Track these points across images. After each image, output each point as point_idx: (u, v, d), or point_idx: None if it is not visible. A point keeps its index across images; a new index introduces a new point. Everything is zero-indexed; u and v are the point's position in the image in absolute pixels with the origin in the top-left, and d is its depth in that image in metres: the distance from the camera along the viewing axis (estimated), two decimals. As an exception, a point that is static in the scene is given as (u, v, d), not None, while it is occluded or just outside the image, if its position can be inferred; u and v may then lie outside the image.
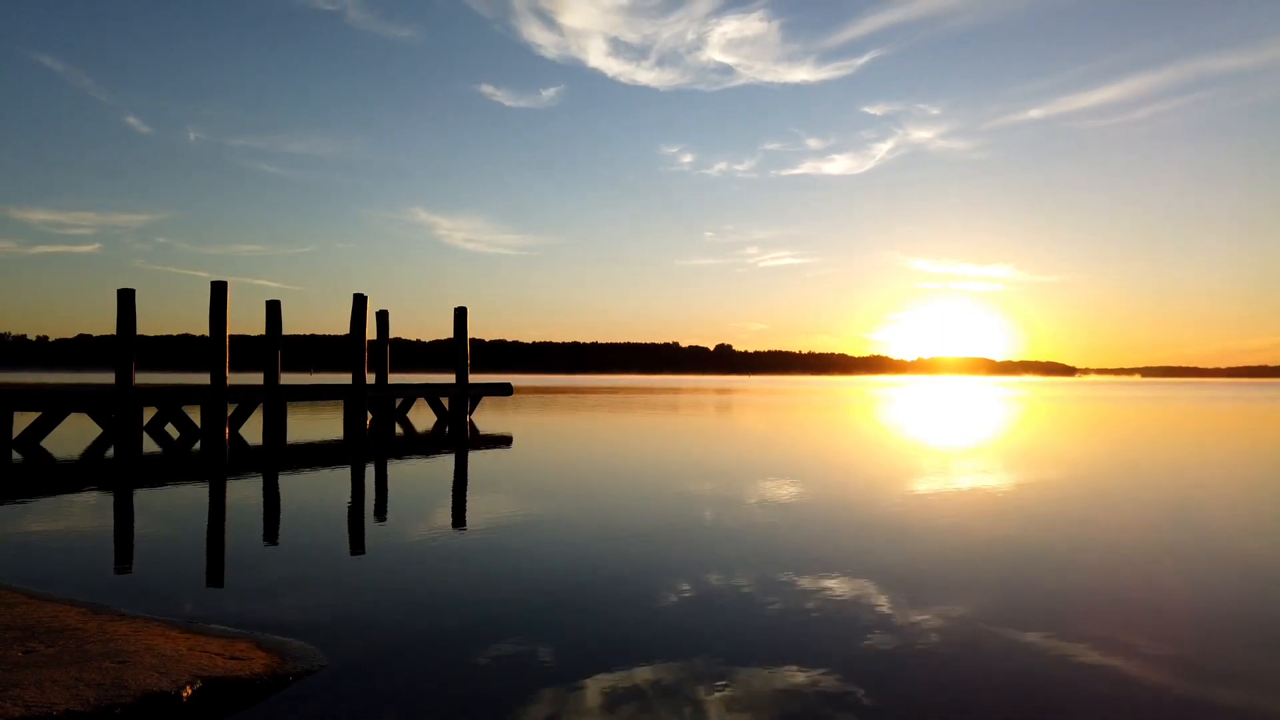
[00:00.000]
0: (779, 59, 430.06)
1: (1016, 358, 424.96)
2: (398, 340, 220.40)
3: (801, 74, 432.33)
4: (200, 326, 20.21)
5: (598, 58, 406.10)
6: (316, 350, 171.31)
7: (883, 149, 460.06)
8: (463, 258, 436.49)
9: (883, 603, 5.75)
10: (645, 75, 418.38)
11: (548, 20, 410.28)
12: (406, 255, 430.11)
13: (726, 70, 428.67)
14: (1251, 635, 5.11)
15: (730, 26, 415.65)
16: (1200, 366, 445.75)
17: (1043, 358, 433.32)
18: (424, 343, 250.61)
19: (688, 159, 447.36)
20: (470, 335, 27.25)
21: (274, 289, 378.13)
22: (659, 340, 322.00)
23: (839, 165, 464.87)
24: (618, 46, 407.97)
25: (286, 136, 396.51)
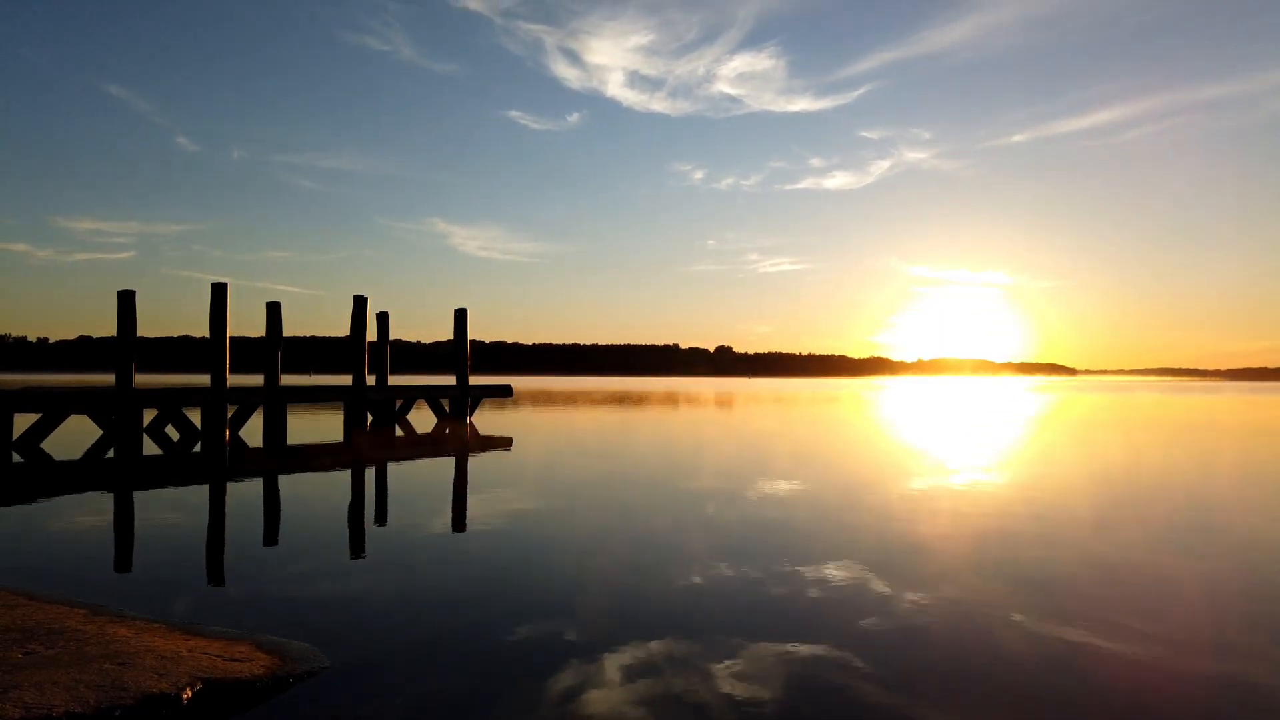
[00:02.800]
0: (782, 91, 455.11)
1: (1016, 359, 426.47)
2: (399, 342, 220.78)
3: (802, 104, 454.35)
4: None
5: (615, 88, 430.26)
6: (323, 352, 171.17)
7: (881, 166, 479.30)
8: (474, 264, 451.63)
9: (886, 591, 5.73)
10: (658, 104, 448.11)
11: (574, 57, 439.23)
12: (419, 262, 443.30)
13: (734, 100, 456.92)
14: (1256, 620, 5.10)
15: (740, 62, 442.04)
16: (1200, 368, 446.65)
17: (1042, 359, 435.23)
18: (424, 344, 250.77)
19: (699, 175, 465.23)
20: (472, 337, 27.27)
21: (296, 294, 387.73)
22: (659, 342, 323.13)
23: (839, 180, 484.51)
24: (634, 79, 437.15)
25: (323, 154, 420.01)
